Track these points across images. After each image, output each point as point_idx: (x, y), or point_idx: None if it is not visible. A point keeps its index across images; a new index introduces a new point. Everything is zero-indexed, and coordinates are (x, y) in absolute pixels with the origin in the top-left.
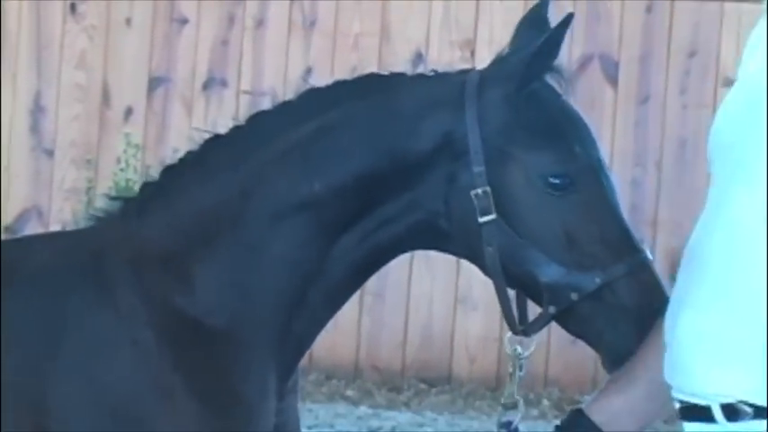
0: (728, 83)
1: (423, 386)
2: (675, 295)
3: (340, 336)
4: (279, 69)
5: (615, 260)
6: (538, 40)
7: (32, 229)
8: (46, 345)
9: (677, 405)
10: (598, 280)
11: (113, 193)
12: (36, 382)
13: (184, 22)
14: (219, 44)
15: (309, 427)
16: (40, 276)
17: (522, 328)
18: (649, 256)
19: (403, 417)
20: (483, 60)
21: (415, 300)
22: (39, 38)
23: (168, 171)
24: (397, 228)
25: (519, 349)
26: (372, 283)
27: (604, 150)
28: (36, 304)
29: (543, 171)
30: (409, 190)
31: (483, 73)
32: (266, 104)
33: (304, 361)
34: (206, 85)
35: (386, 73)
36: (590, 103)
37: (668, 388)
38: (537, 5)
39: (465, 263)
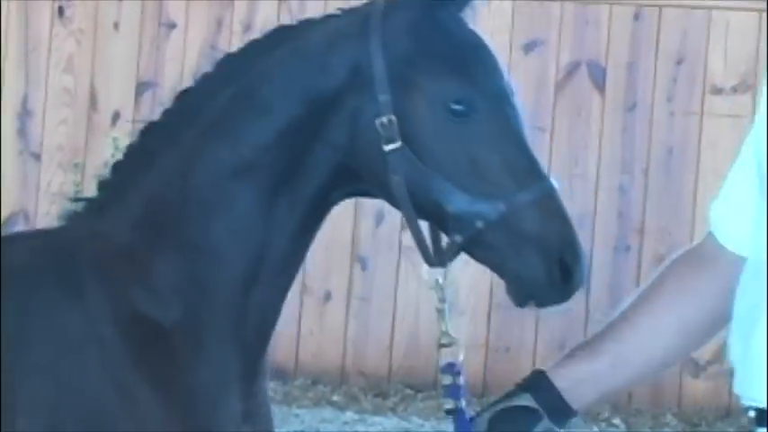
0: (715, 90)
1: (409, 392)
2: (744, 310)
3: (326, 341)
4: None
5: (519, 188)
6: None
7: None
8: (13, 343)
9: (752, 413)
10: (502, 207)
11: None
12: (4, 380)
13: (172, 26)
14: (208, 48)
15: None
16: (9, 276)
17: (436, 258)
18: (554, 184)
19: (389, 422)
20: None
21: (402, 305)
22: (26, 41)
23: (117, 166)
24: (320, 175)
25: (439, 280)
26: (359, 287)
27: (592, 157)
28: (4, 302)
29: (445, 98)
30: (325, 132)
31: (388, 3)
32: None
33: (290, 365)
34: None
35: (294, 22)
36: (577, 110)
37: (634, 367)
38: None
39: (451, 269)
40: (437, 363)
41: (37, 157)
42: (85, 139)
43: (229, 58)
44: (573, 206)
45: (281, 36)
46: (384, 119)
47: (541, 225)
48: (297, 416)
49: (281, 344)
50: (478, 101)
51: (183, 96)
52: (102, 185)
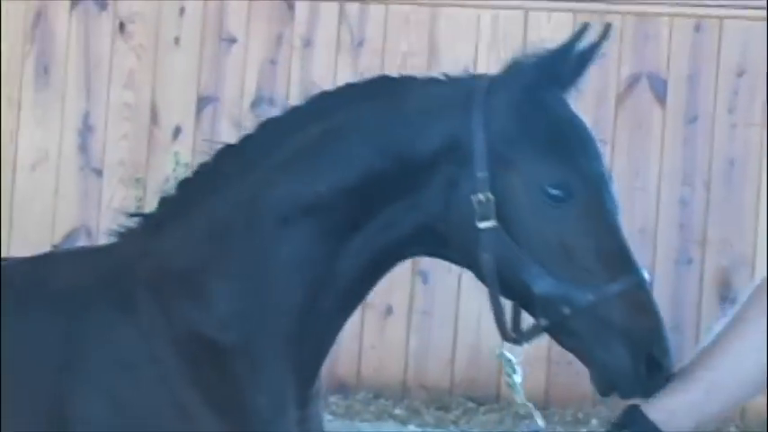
0: None
1: (471, 405)
2: None
3: (388, 354)
4: (327, 88)
5: (611, 278)
6: (551, 49)
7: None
8: (66, 362)
9: None
10: (591, 297)
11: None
12: (57, 398)
13: (233, 41)
14: (268, 63)
15: None
16: (65, 293)
17: (515, 336)
18: (646, 277)
19: None
20: None
21: (464, 317)
22: (87, 57)
23: (183, 184)
24: (400, 230)
25: (507, 354)
26: (420, 300)
27: (653, 169)
28: (60, 321)
29: (543, 181)
30: (413, 192)
31: (493, 79)
32: None
33: (352, 379)
34: (254, 104)
35: (396, 75)
36: (638, 123)
37: (728, 391)
38: (585, 25)
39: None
40: (499, 375)
41: (98, 172)
42: (147, 155)
43: (324, 96)
44: (634, 219)
45: (381, 86)
46: (481, 196)
47: (630, 317)
48: (359, 430)
49: (343, 358)
50: (576, 186)
51: (268, 125)
52: (164, 202)
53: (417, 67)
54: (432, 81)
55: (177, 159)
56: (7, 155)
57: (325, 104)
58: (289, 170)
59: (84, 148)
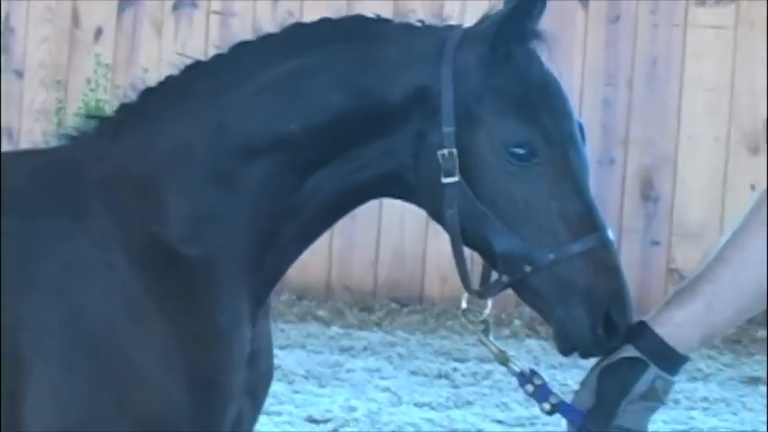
0: (699, 1)
1: (394, 306)
2: None
3: (311, 256)
4: None
5: (573, 237)
6: (514, 3)
7: (3, 150)
8: (18, 267)
9: None
10: (552, 255)
11: (84, 114)
12: (6, 305)
13: None
14: None
15: (281, 348)
16: (12, 197)
17: (479, 290)
18: (611, 236)
19: (375, 336)
20: None
21: (387, 220)
22: None
23: (147, 94)
24: (366, 173)
25: (473, 315)
26: None
27: (576, 69)
28: (7, 226)
29: (507, 139)
30: (380, 138)
31: (466, 31)
32: (236, 26)
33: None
34: (176, 6)
35: (372, 17)
36: (561, 24)
37: (731, 302)
38: None
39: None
40: (422, 277)
41: (19, 74)
42: (68, 56)
43: (300, 28)
44: None
45: (356, 27)
46: (446, 151)
47: (590, 278)
48: (283, 331)
49: None
50: (541, 146)
51: (240, 50)
52: (124, 108)
53: None
54: (407, 27)
55: (98, 61)
56: None
57: (300, 39)
58: (260, 103)
59: (5, 49)
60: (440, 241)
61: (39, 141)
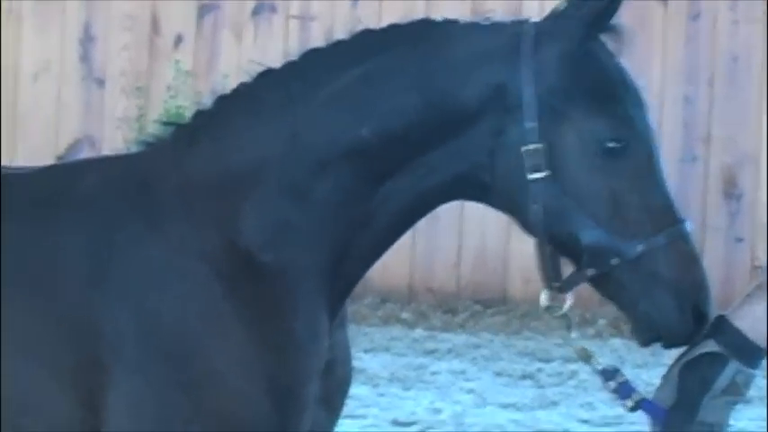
0: None
1: (478, 307)
2: None
3: (394, 259)
4: None
5: (657, 229)
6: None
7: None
8: (94, 273)
9: None
10: (640, 247)
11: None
12: (84, 311)
13: None
14: None
15: (366, 351)
16: (89, 203)
17: (558, 284)
18: (689, 228)
19: (459, 338)
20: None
21: (469, 221)
22: None
23: (221, 101)
24: (441, 177)
25: (558, 308)
26: None
27: (656, 68)
28: (84, 231)
29: (600, 135)
30: (455, 140)
31: (539, 27)
32: (315, 29)
33: (358, 285)
34: (255, 11)
35: (439, 19)
36: (641, 22)
37: None
38: None
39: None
40: (504, 278)
41: (100, 82)
42: (148, 64)
43: (369, 34)
44: None
45: (424, 31)
46: (531, 147)
47: (676, 268)
48: (366, 335)
49: None
50: (631, 141)
51: (310, 57)
52: (199, 116)
53: None
54: (476, 26)
55: (178, 67)
56: (8, 65)
57: (370, 44)
58: (333, 111)
59: (85, 58)
60: (522, 242)
61: (120, 149)
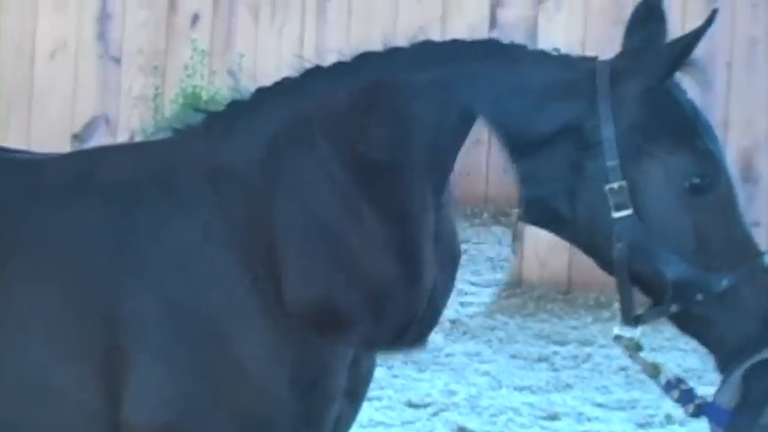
0: None
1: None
2: None
3: None
4: None
5: (740, 262)
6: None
7: (101, 136)
8: (118, 259)
9: None
10: (725, 282)
11: (180, 100)
12: (107, 296)
13: None
14: None
15: None
16: (118, 189)
17: (637, 315)
18: (766, 259)
19: (474, 320)
20: None
21: None
22: None
23: (261, 93)
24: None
25: (629, 335)
26: None
27: None
28: (112, 216)
29: (686, 171)
30: (536, 170)
31: (614, 65)
32: (332, 11)
33: None
34: None
35: (506, 41)
36: None
37: None
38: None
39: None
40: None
41: (117, 60)
42: (165, 43)
43: (429, 45)
44: None
45: (492, 48)
46: (615, 185)
47: (760, 301)
48: None
49: None
50: (713, 175)
51: (363, 59)
52: (236, 106)
53: None
54: (546, 55)
55: (195, 46)
56: (25, 43)
57: (431, 54)
58: (388, 119)
59: (102, 36)
60: None
61: (136, 128)
